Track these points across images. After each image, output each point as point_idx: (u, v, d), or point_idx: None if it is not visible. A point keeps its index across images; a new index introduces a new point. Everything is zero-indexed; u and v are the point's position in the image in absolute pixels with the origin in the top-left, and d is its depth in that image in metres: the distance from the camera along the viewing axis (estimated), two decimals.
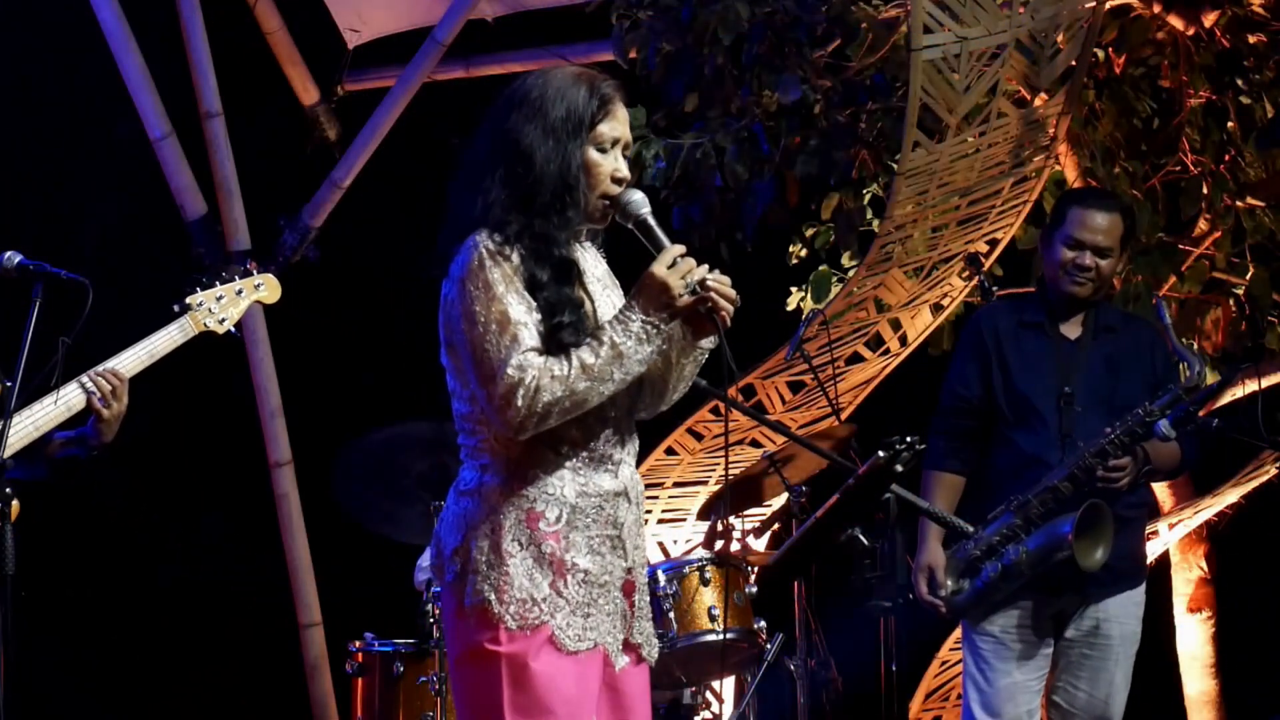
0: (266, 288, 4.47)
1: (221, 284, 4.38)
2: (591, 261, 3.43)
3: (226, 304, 4.37)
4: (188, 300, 4.32)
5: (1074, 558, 4.51)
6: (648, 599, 3.41)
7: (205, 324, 4.33)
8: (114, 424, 4.16)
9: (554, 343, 3.20)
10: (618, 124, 3.32)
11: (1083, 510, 4.52)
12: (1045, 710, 4.84)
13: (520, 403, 3.14)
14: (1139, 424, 4.55)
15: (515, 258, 3.21)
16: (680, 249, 3.22)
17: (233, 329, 4.37)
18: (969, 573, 4.67)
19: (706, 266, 3.23)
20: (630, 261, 3.38)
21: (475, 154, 3.32)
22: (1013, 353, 4.76)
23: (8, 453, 3.99)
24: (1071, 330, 4.79)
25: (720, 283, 3.22)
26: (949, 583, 4.67)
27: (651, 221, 3.29)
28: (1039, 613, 4.70)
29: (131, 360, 4.22)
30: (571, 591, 3.24)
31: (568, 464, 3.26)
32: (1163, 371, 4.78)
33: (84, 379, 4.14)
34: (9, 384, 3.97)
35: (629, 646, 3.34)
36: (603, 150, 3.30)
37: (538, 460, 3.25)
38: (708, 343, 3.35)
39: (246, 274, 4.43)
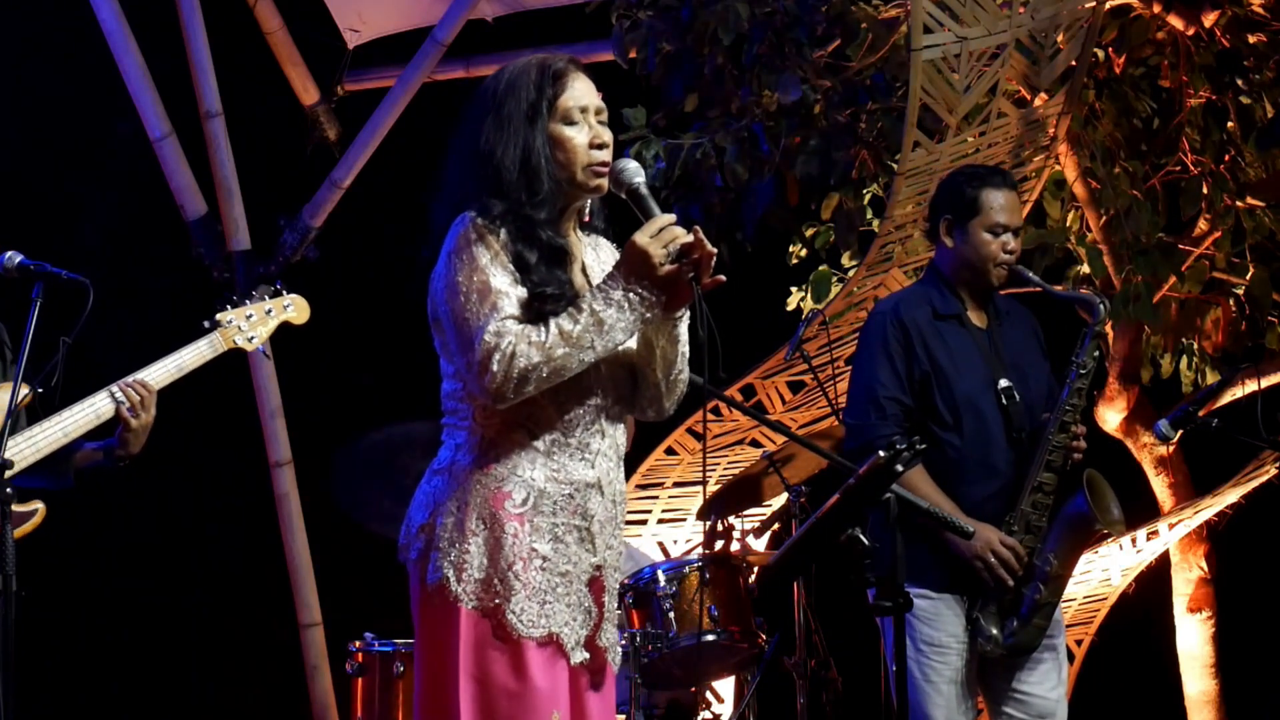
0: (295, 308, 4.55)
1: (252, 303, 4.46)
2: (606, 256, 3.43)
3: (256, 323, 4.44)
4: (218, 317, 4.39)
5: (1097, 525, 4.36)
6: (616, 605, 3.37)
7: (235, 341, 4.40)
8: (141, 435, 4.19)
9: (537, 315, 3.19)
10: (579, 93, 3.31)
11: (1085, 482, 4.41)
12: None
13: (496, 367, 3.13)
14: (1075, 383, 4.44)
15: (503, 235, 3.22)
16: (668, 218, 3.20)
17: (261, 348, 4.44)
18: (1010, 611, 4.44)
19: (684, 230, 3.20)
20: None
21: (448, 161, 3.35)
22: (940, 350, 4.51)
23: (36, 458, 4.06)
24: (978, 319, 4.60)
25: (698, 236, 3.18)
26: (993, 630, 4.43)
27: (643, 191, 3.27)
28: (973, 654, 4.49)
29: (160, 373, 4.25)
30: (529, 576, 3.20)
31: (541, 448, 3.24)
32: (1045, 349, 4.67)
33: (114, 388, 4.17)
34: (39, 390, 4.03)
35: (595, 649, 3.29)
36: (571, 123, 3.30)
37: (512, 442, 3.24)
38: (683, 330, 3.34)
39: (277, 294, 4.51)
